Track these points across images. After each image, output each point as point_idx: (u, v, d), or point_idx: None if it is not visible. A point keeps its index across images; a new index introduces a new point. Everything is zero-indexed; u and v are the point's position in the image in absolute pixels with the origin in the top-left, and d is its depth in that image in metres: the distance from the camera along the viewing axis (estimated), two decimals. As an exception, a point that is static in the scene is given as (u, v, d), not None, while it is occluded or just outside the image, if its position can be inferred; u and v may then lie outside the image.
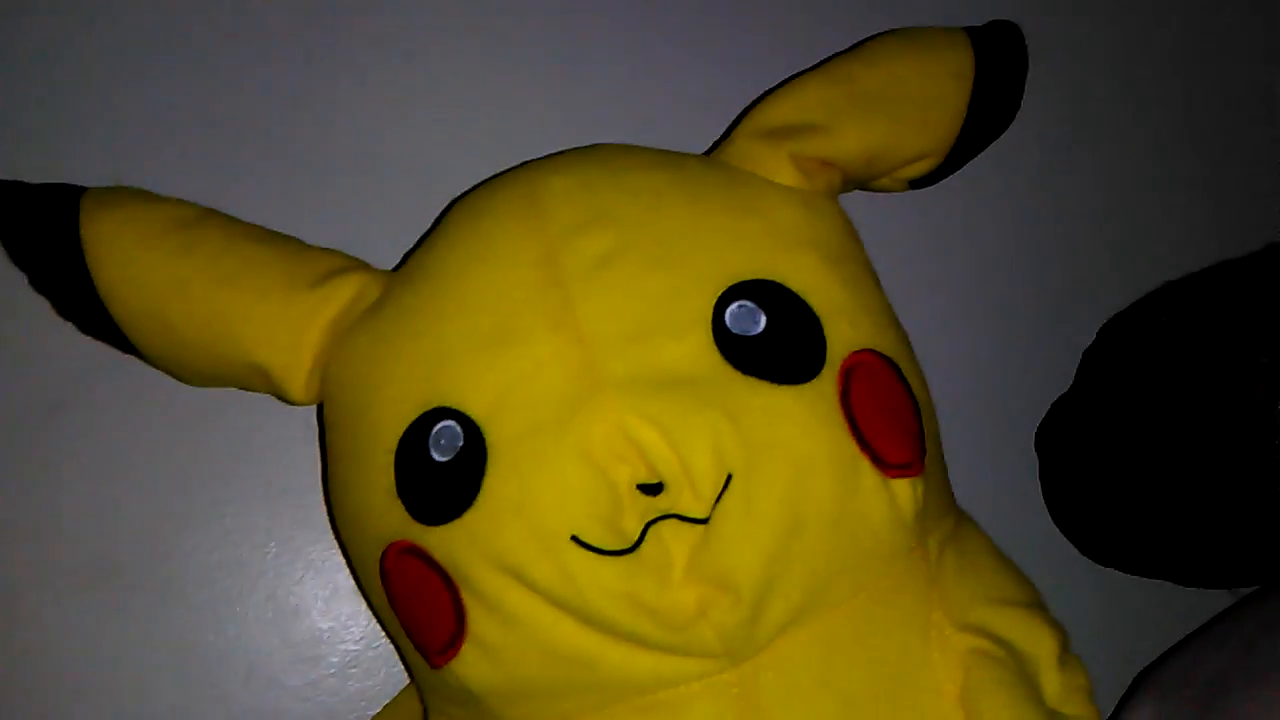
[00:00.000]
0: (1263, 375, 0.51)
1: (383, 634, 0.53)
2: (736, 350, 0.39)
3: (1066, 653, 0.43)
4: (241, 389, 0.45)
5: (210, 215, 0.44)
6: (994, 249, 0.61)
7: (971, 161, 0.50)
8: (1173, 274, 0.59)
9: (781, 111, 0.46)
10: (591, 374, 0.39)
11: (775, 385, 0.39)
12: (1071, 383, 0.59)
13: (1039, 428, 0.60)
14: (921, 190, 0.50)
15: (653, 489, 0.38)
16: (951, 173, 0.49)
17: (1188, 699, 0.50)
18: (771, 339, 0.40)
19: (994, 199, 0.61)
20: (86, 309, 0.43)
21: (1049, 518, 0.60)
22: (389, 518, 0.40)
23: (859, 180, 0.47)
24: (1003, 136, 0.50)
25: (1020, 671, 0.41)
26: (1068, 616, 0.45)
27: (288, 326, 0.43)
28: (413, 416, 0.40)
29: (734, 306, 0.40)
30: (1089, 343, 0.59)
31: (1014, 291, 0.61)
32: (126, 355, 0.45)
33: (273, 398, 0.47)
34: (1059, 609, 0.46)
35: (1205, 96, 0.64)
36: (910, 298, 0.47)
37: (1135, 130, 0.63)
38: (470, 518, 0.38)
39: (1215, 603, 0.59)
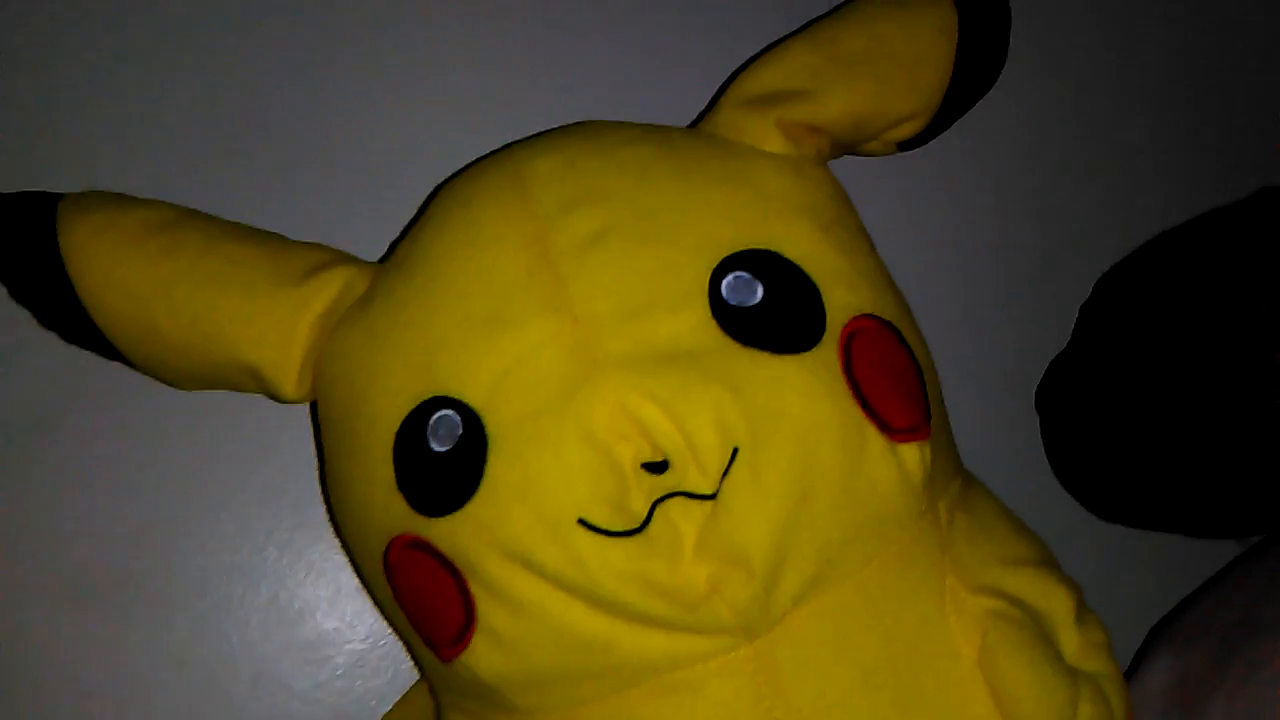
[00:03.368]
0: (1262, 321, 0.51)
1: (389, 632, 0.53)
2: (735, 322, 0.39)
3: (1083, 609, 0.43)
4: (232, 390, 0.45)
5: (190, 216, 0.44)
6: (984, 208, 0.61)
7: (959, 120, 0.49)
8: (1166, 224, 0.58)
9: (766, 79, 0.45)
10: (589, 354, 0.38)
11: (776, 355, 0.39)
12: (1069, 339, 0.59)
13: (1039, 386, 0.59)
14: (910, 152, 0.50)
15: (658, 467, 0.37)
16: (940, 132, 0.49)
17: (1205, 649, 0.49)
18: (770, 309, 0.39)
19: (983, 157, 0.60)
20: (70, 318, 0.43)
21: (1053, 477, 0.59)
22: (390, 512, 0.40)
23: (847, 145, 0.47)
24: (990, 93, 0.49)
25: (1038, 630, 0.41)
26: (1077, 575, 0.45)
27: (276, 323, 0.42)
28: (409, 408, 0.39)
29: (730, 278, 0.40)
30: (1085, 298, 0.59)
31: (1007, 249, 0.61)
32: (113, 362, 0.44)
33: (265, 398, 0.46)
34: (1068, 568, 0.45)
35: (1192, 43, 0.64)
36: (903, 261, 0.47)
37: (1122, 81, 0.63)
38: (473, 507, 0.38)
39: (1224, 553, 0.59)
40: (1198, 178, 0.62)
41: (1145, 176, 0.63)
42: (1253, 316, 0.50)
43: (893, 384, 0.40)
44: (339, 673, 0.52)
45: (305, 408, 0.50)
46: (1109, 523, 0.59)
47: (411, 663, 0.52)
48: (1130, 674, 0.52)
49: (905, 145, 0.48)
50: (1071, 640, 0.42)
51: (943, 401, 0.45)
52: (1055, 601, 0.42)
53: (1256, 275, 0.51)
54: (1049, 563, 0.44)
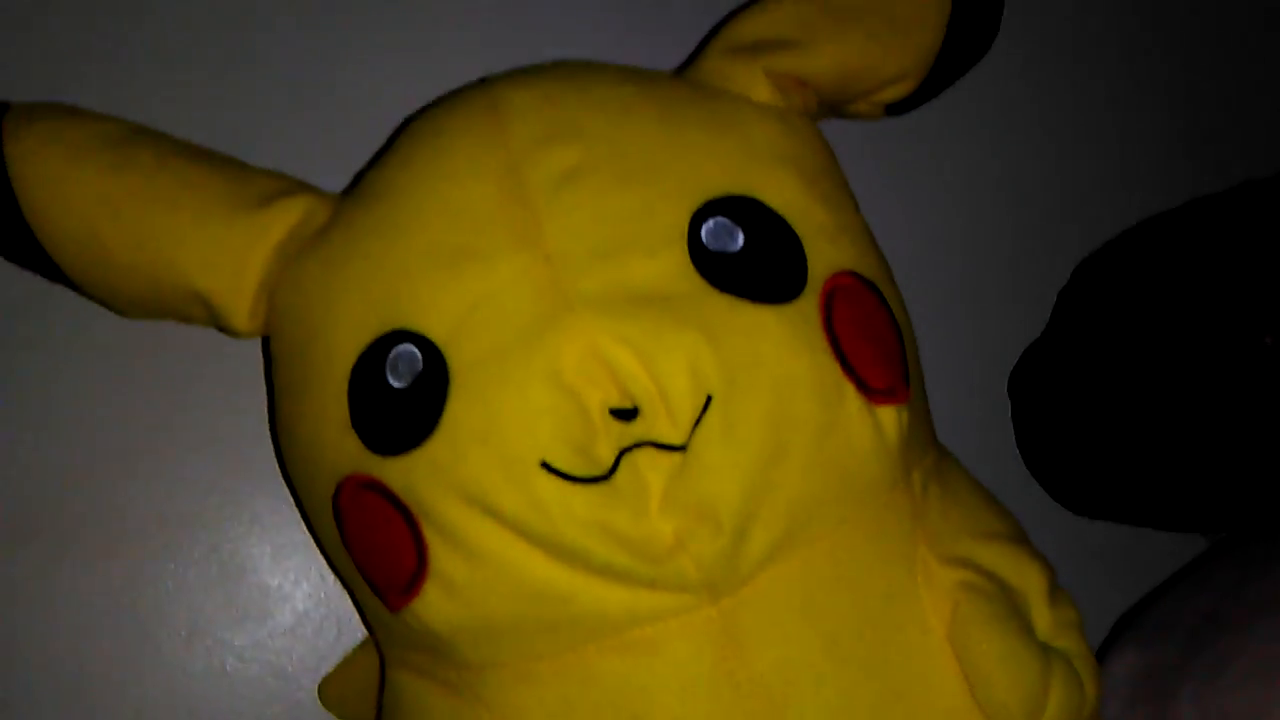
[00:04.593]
0: (1248, 307, 0.50)
1: (334, 591, 0.51)
2: (714, 268, 0.37)
3: (1055, 587, 0.42)
4: (181, 320, 0.43)
5: (144, 132, 0.42)
6: (966, 189, 0.60)
7: (946, 94, 0.48)
8: (1147, 213, 0.58)
9: (755, 27, 0.44)
10: (560, 293, 0.36)
11: (755, 304, 0.37)
12: (1045, 326, 0.58)
13: (1012, 372, 0.58)
14: (894, 125, 0.49)
15: (627, 414, 0.36)
16: (928, 99, 0.47)
17: (1173, 641, 0.48)
18: (751, 257, 0.38)
19: (968, 137, 0.59)
20: (12, 232, 0.40)
21: (1023, 465, 0.58)
22: (343, 450, 0.38)
23: (835, 103, 0.45)
24: (976, 72, 0.48)
25: (1010, 605, 0.40)
26: (1046, 562, 0.44)
27: (229, 251, 0.40)
28: (367, 341, 0.38)
29: (710, 222, 0.38)
30: (1063, 284, 0.58)
31: (987, 232, 0.60)
32: (56, 286, 0.42)
33: (214, 339, 0.44)
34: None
35: (1182, 34, 0.63)
36: (881, 238, 0.46)
37: (1110, 67, 0.62)
38: (431, 447, 0.36)
39: (1192, 547, 0.58)
40: (1182, 167, 0.62)
41: (1129, 163, 0.62)
42: (1238, 303, 0.49)
43: (873, 344, 0.39)
44: (280, 631, 0.50)
45: (258, 350, 0.48)
46: (1076, 514, 0.58)
47: (356, 623, 0.50)
48: (1098, 663, 0.51)
49: (893, 109, 0.47)
50: (1044, 617, 0.41)
51: (921, 369, 0.43)
52: (1028, 577, 0.41)
53: (1241, 261, 0.50)
54: (1022, 539, 0.43)
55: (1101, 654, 0.52)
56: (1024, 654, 0.39)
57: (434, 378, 0.36)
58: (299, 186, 0.42)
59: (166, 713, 0.49)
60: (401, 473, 0.36)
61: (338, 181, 0.45)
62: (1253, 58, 0.64)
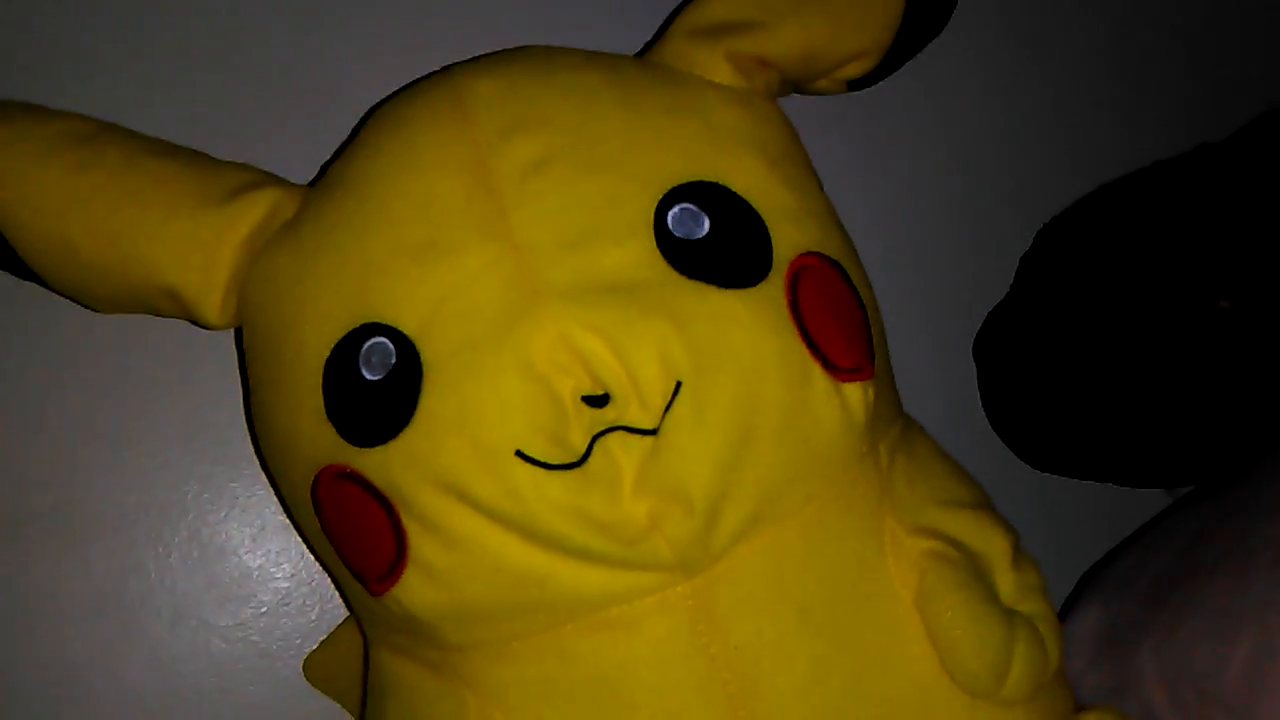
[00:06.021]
0: (1204, 270, 0.51)
1: (314, 570, 0.51)
2: (680, 254, 0.38)
3: (1019, 551, 0.43)
4: (153, 314, 0.43)
5: (109, 129, 0.42)
6: (929, 155, 0.60)
7: (909, 64, 0.48)
8: (1108, 177, 0.58)
9: (716, 9, 0.44)
10: (529, 283, 0.37)
11: (722, 290, 0.38)
12: (1009, 290, 0.59)
13: (977, 336, 0.59)
14: (856, 97, 0.49)
15: (598, 400, 0.36)
16: (890, 73, 0.48)
17: (1134, 597, 0.50)
18: (716, 242, 0.38)
19: (930, 105, 0.60)
20: (-21, 233, 0.41)
21: (989, 426, 0.59)
22: (319, 442, 0.38)
23: (797, 81, 0.46)
24: (940, 38, 0.49)
25: (975, 571, 0.41)
26: (1011, 522, 0.45)
27: (199, 245, 0.40)
28: (340, 334, 0.38)
29: (676, 209, 0.39)
30: (1025, 249, 0.58)
31: (949, 199, 0.61)
32: (26, 283, 0.42)
33: (188, 328, 0.45)
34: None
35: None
36: (846, 206, 0.46)
37: (1071, 35, 0.63)
38: (407, 437, 0.37)
39: (1154, 504, 0.60)
40: (1141, 131, 0.62)
41: (1089, 129, 0.63)
42: (1195, 265, 0.51)
43: (838, 323, 0.40)
44: (263, 611, 0.51)
45: (230, 334, 0.48)
46: (1042, 472, 0.59)
47: (338, 601, 0.51)
48: (1061, 620, 0.52)
49: (855, 85, 0.47)
50: (1008, 582, 0.42)
51: (886, 344, 0.44)
52: (992, 543, 0.42)
53: (1197, 225, 0.51)
54: (986, 506, 0.44)
55: (1066, 610, 0.54)
56: (988, 619, 0.40)
57: (408, 370, 0.37)
58: (266, 179, 0.42)
59: (154, 695, 0.50)
60: (379, 463, 0.37)
61: (304, 173, 0.45)
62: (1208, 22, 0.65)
